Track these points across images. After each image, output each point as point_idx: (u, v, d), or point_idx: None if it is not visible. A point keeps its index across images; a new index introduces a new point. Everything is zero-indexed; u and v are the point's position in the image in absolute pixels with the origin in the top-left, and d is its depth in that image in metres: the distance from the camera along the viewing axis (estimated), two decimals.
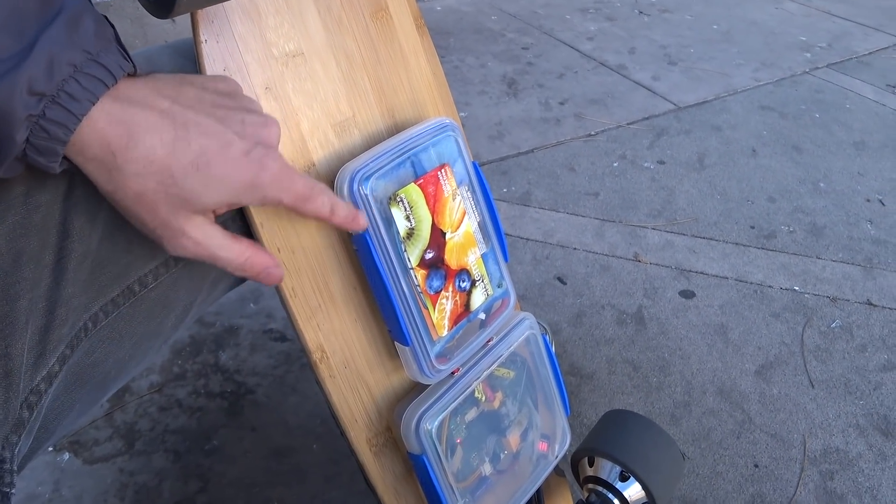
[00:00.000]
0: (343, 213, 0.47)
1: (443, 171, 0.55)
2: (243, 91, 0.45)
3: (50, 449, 0.93)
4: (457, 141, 0.56)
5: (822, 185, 1.62)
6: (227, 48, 0.49)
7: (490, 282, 0.60)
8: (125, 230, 0.45)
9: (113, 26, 0.38)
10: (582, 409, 1.03)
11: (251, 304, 1.18)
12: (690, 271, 1.32)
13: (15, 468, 0.41)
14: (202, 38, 0.48)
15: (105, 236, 0.44)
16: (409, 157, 0.53)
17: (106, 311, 0.46)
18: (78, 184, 0.41)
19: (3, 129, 0.33)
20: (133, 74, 0.38)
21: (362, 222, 0.50)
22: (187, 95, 0.40)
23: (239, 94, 0.44)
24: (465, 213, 0.57)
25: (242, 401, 1.02)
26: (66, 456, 0.93)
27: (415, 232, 0.53)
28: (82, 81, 0.34)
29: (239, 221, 0.52)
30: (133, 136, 0.37)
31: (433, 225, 0.54)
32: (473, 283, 0.58)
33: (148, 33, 1.82)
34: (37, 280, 0.40)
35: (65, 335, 0.42)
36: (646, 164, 1.65)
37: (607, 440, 0.70)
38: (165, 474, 0.91)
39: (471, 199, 0.58)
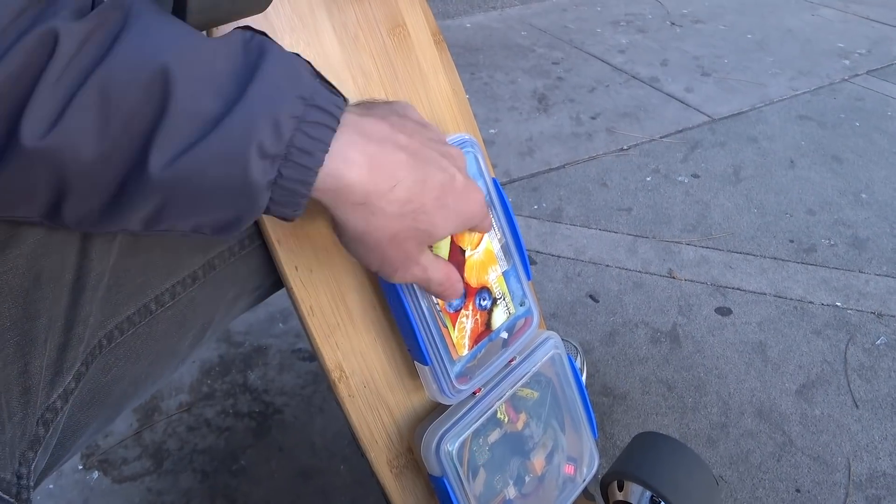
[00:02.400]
0: (489, 223, 0.50)
1: None
2: None
3: (80, 467, 0.94)
4: (476, 157, 0.55)
5: (863, 196, 1.57)
6: None
7: (512, 300, 0.58)
8: (142, 249, 0.45)
9: (302, 58, 0.37)
10: (615, 431, 1.01)
11: (280, 324, 1.18)
12: (727, 287, 1.28)
13: (32, 484, 0.41)
14: None
15: (122, 255, 0.44)
16: None
17: (122, 328, 0.46)
18: None
19: (246, 199, 0.34)
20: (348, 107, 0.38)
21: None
22: (410, 129, 0.41)
23: (427, 122, 0.45)
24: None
25: (270, 421, 1.01)
26: (96, 475, 0.93)
27: (433, 250, 0.52)
28: (309, 132, 0.34)
29: (258, 241, 0.52)
30: (395, 177, 0.38)
31: (452, 243, 0.53)
32: (494, 302, 0.57)
33: None
34: (56, 298, 0.40)
35: (81, 353, 0.42)
36: (680, 178, 1.61)
37: (638, 464, 0.67)
38: (193, 494, 0.91)
39: (491, 217, 0.56)
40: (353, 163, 0.36)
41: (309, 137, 0.34)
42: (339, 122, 0.36)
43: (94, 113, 0.30)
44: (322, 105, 0.35)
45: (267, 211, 0.35)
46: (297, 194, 0.35)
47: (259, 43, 0.35)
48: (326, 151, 0.35)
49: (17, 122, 0.29)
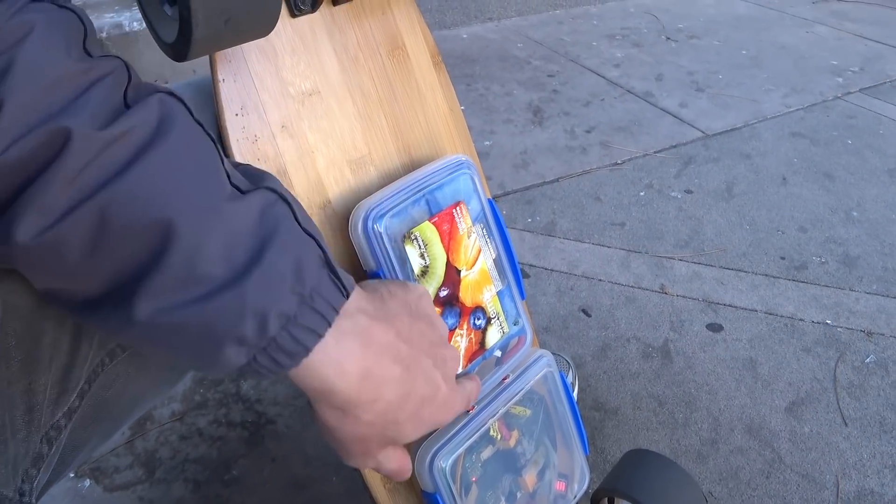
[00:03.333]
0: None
1: (458, 208, 0.55)
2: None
3: (71, 475, 0.94)
4: (472, 178, 0.56)
5: (855, 213, 1.58)
6: (244, 87, 0.49)
7: (506, 319, 0.59)
8: None
9: (320, 245, 0.36)
10: (606, 446, 1.01)
11: None
12: (718, 304, 1.30)
13: (33, 500, 0.41)
14: (220, 77, 0.48)
15: None
16: (423, 195, 0.53)
17: (123, 346, 0.46)
18: None
19: (213, 367, 0.33)
20: (349, 300, 0.37)
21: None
22: (416, 335, 0.41)
23: (435, 314, 0.45)
24: (480, 251, 0.56)
25: (263, 431, 1.02)
26: (87, 483, 0.93)
27: (429, 270, 0.53)
28: (295, 334, 0.33)
29: None
30: (381, 393, 0.38)
31: (448, 263, 0.54)
32: (489, 321, 0.57)
33: (176, 65, 1.86)
34: (61, 318, 0.40)
35: (85, 371, 0.43)
36: (673, 194, 1.63)
37: (628, 481, 0.68)
38: (184, 503, 0.92)
39: (486, 237, 0.57)
40: (345, 374, 0.36)
41: (293, 339, 0.33)
42: (329, 327, 0.35)
43: (90, 231, 0.30)
44: (318, 307, 0.34)
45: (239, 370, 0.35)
46: (266, 375, 0.35)
47: (276, 217, 0.34)
48: (306, 356, 0.34)
49: (11, 213, 0.29)
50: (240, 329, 0.32)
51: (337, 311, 0.35)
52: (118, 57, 0.33)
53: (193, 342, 0.32)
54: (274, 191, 0.35)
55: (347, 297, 0.36)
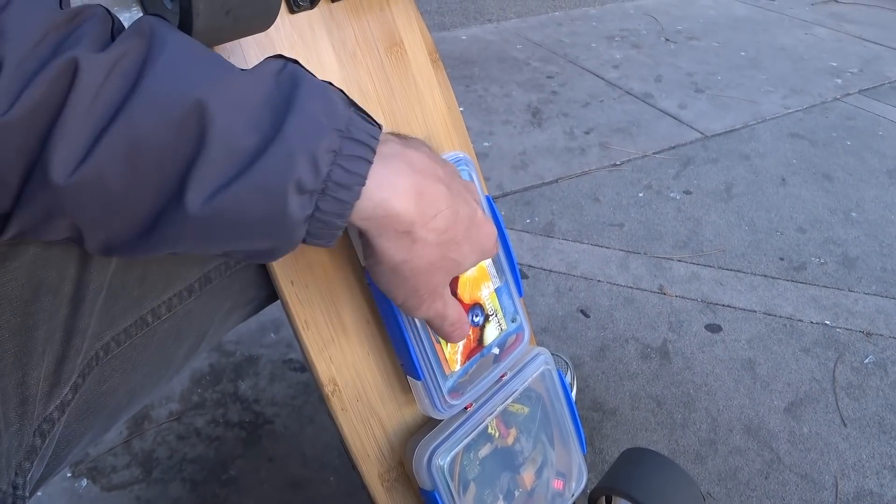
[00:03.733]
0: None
1: None
2: None
3: (68, 475, 0.94)
4: (470, 175, 0.56)
5: (854, 214, 1.59)
6: None
7: (504, 316, 0.59)
8: (140, 262, 0.46)
9: (339, 88, 0.37)
10: (604, 446, 1.01)
11: (272, 334, 1.18)
12: (717, 304, 1.30)
13: (27, 494, 0.41)
14: None
15: (120, 268, 0.44)
16: None
17: (118, 340, 0.46)
18: None
19: (283, 233, 0.34)
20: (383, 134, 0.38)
21: None
22: (439, 163, 0.41)
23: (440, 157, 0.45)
24: None
25: (260, 431, 1.01)
26: (84, 482, 0.93)
27: None
28: (346, 165, 0.34)
29: None
30: (436, 207, 0.38)
31: None
32: (487, 318, 0.57)
33: None
34: (55, 310, 0.40)
35: (79, 364, 0.43)
36: (672, 195, 1.63)
37: (625, 479, 0.68)
38: (181, 503, 0.91)
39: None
40: (401, 192, 0.37)
41: (346, 171, 0.34)
42: (374, 153, 0.36)
43: (124, 149, 0.30)
44: (358, 137, 0.35)
45: (302, 242, 0.36)
46: (332, 226, 0.35)
47: (292, 73, 0.35)
48: (363, 184, 0.35)
49: (43, 157, 0.29)
50: (295, 174, 0.32)
51: (376, 139, 0.36)
52: (98, 5, 0.34)
53: (257, 213, 0.32)
54: (278, 57, 0.36)
55: (378, 125, 0.37)
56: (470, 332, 0.56)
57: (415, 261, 0.39)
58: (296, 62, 0.36)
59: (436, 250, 0.39)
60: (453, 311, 0.45)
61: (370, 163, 0.35)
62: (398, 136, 0.43)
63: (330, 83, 0.37)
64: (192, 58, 0.32)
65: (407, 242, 0.38)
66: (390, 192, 0.36)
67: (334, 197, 0.34)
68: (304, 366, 1.12)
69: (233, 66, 0.35)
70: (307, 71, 0.36)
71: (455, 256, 0.41)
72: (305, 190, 0.33)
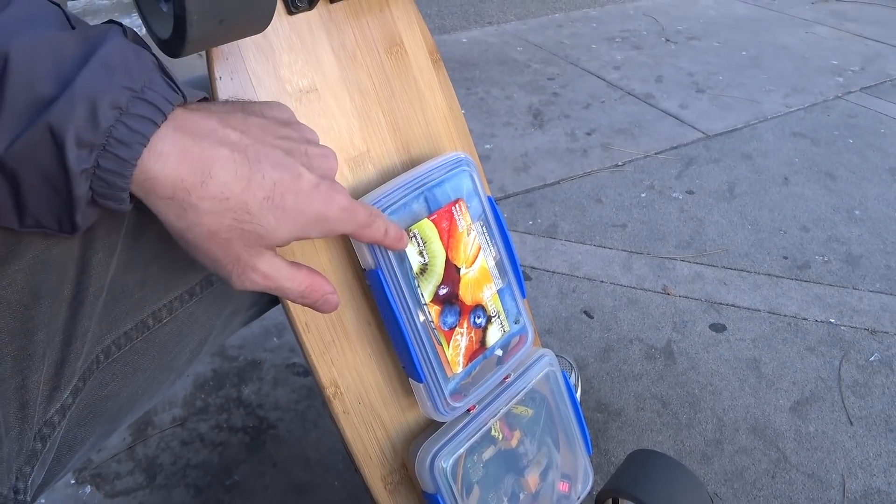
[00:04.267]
0: (393, 233, 0.47)
1: (457, 206, 0.54)
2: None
3: (72, 482, 0.93)
4: (472, 176, 0.56)
5: (857, 212, 1.58)
6: (241, 85, 0.49)
7: (507, 318, 0.58)
8: (141, 265, 0.46)
9: (156, 56, 0.37)
10: (609, 447, 1.01)
11: (275, 338, 1.18)
12: (721, 304, 1.29)
13: (28, 499, 0.41)
14: (217, 75, 0.48)
15: (121, 271, 0.44)
16: (422, 193, 0.52)
17: (118, 344, 0.46)
18: (97, 220, 0.42)
19: (65, 187, 0.33)
20: (185, 104, 0.37)
21: (405, 242, 0.49)
22: (254, 126, 0.39)
23: (296, 122, 0.43)
24: (480, 249, 0.56)
25: (264, 436, 1.01)
26: (88, 489, 0.93)
27: (428, 268, 0.52)
28: (130, 123, 0.33)
29: None
30: (208, 172, 0.36)
31: (447, 260, 0.53)
32: (489, 320, 0.57)
33: (172, 61, 1.86)
34: (54, 314, 0.40)
35: (79, 368, 0.43)
36: (674, 195, 1.62)
37: (632, 481, 0.67)
38: None
39: (486, 235, 0.57)
40: (160, 155, 0.34)
41: (129, 129, 0.33)
42: (165, 118, 0.34)
43: None
44: (150, 99, 0.34)
45: (94, 203, 0.34)
46: (116, 187, 0.34)
47: (105, 31, 0.34)
48: (145, 145, 0.34)
49: None
50: (74, 122, 0.31)
51: (172, 105, 0.35)
52: None
53: (44, 162, 0.32)
54: (112, 21, 0.36)
55: (183, 96, 0.36)
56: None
57: (193, 230, 0.37)
58: (121, 26, 0.36)
59: (215, 219, 0.36)
60: (289, 282, 0.41)
61: (157, 125, 0.34)
62: (227, 102, 0.41)
63: (148, 50, 0.36)
64: (17, 15, 0.33)
65: (176, 210, 0.36)
66: (149, 154, 0.34)
67: (115, 154, 0.33)
68: (307, 370, 1.12)
69: (65, 23, 0.34)
70: (124, 34, 0.35)
71: (251, 228, 0.37)
72: (85, 143, 0.32)
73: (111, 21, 0.36)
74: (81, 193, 0.33)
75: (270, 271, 0.40)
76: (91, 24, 0.36)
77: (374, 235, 0.45)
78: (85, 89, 0.32)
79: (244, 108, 0.41)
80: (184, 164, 0.35)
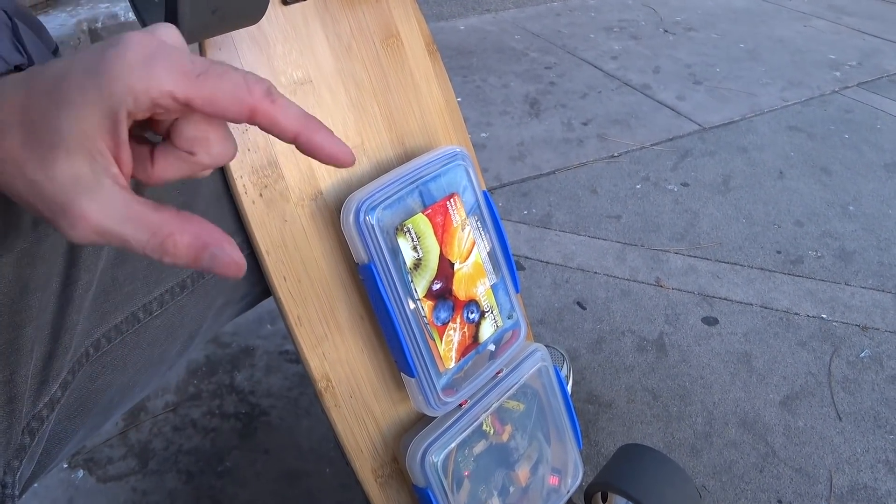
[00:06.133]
0: (293, 113, 0.31)
1: (452, 200, 0.54)
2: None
3: (65, 466, 0.93)
4: (467, 170, 0.56)
5: (851, 208, 1.58)
6: None
7: (500, 313, 0.58)
8: (131, 258, 0.45)
9: (11, 19, 0.35)
10: (600, 439, 1.01)
11: (268, 325, 1.18)
12: (714, 297, 1.29)
13: (17, 493, 0.41)
14: None
15: (110, 264, 0.44)
16: (417, 187, 0.52)
17: (109, 337, 0.46)
18: None
19: None
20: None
21: (350, 158, 0.33)
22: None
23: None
24: (474, 244, 0.56)
25: (256, 422, 1.01)
26: (81, 473, 0.93)
27: (422, 262, 0.52)
28: None
29: (247, 250, 0.52)
30: None
31: (441, 255, 0.53)
32: (482, 315, 0.57)
33: None
34: (43, 307, 0.40)
35: (68, 361, 0.42)
36: (669, 187, 1.62)
37: (622, 475, 0.68)
38: (177, 495, 0.91)
39: (480, 230, 0.57)
40: None
41: None
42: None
43: None
44: None
45: None
46: None
47: None
48: None
49: None
50: None
51: (11, 66, 0.34)
52: None
53: None
54: None
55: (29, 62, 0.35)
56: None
57: None
58: None
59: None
60: (126, 227, 0.28)
61: None
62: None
63: (5, 13, 0.36)
64: None
65: None
66: None
67: None
68: (299, 357, 1.12)
69: None
70: None
71: (33, 139, 0.28)
72: None
73: None
74: None
75: (100, 217, 0.28)
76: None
77: (237, 97, 0.29)
78: None
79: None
80: None
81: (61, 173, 0.28)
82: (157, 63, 0.28)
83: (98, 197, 0.28)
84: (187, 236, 0.29)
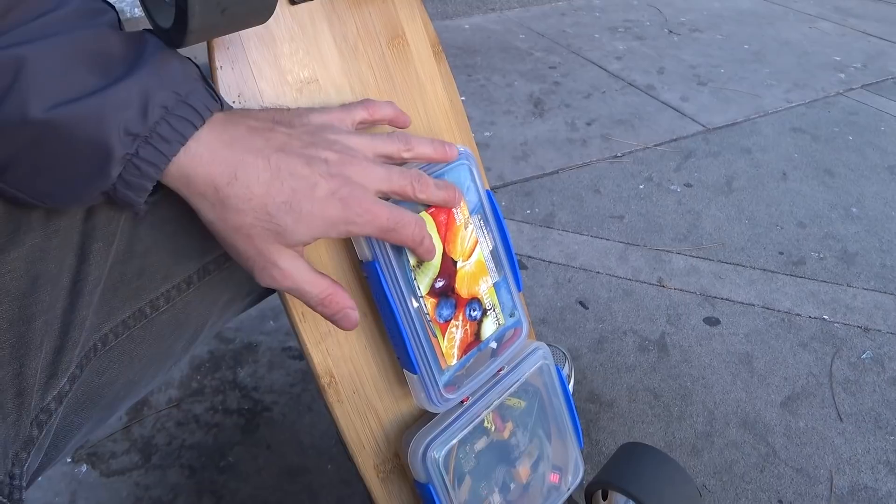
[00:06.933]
0: (427, 244, 0.49)
1: None
2: (338, 120, 0.48)
3: (68, 460, 0.94)
4: (470, 169, 0.56)
5: (854, 210, 1.58)
6: (241, 75, 0.49)
7: (502, 311, 0.59)
8: (139, 253, 0.46)
9: (198, 66, 0.41)
10: (601, 438, 1.02)
11: (271, 322, 1.18)
12: (716, 298, 1.30)
13: (24, 484, 0.41)
14: (217, 64, 0.48)
15: (119, 259, 0.45)
16: None
17: (116, 332, 0.46)
18: (96, 209, 0.42)
19: (101, 165, 0.36)
20: (222, 111, 0.41)
21: (433, 255, 0.51)
22: (278, 136, 0.43)
23: (329, 126, 0.47)
24: (477, 242, 0.56)
25: (259, 418, 1.02)
26: (84, 468, 0.94)
27: (425, 260, 0.53)
28: (173, 123, 0.38)
29: None
30: (234, 174, 0.40)
31: (444, 253, 0.54)
32: (485, 313, 0.57)
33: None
34: (53, 302, 0.40)
35: (76, 355, 0.43)
36: (672, 187, 1.63)
37: (622, 474, 0.68)
38: (180, 490, 0.92)
39: (483, 228, 0.57)
40: (194, 155, 0.39)
41: (171, 128, 0.37)
42: (204, 122, 0.39)
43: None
44: (193, 104, 0.39)
45: (114, 191, 0.38)
46: (146, 177, 0.37)
47: (146, 38, 0.39)
48: (184, 143, 0.38)
49: None
50: (127, 113, 0.36)
51: (210, 111, 0.40)
52: None
53: (86, 135, 0.35)
54: (147, 31, 0.40)
55: (222, 104, 0.41)
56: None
57: (221, 223, 0.41)
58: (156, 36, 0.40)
59: (239, 216, 0.41)
60: (309, 286, 0.45)
61: (196, 128, 0.39)
62: (265, 110, 0.46)
63: (190, 60, 0.41)
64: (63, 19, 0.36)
65: (208, 204, 0.40)
66: (187, 154, 0.39)
67: (155, 147, 0.37)
68: (302, 354, 1.12)
69: (117, 31, 0.38)
70: (165, 46, 0.40)
71: (272, 227, 0.41)
72: (131, 132, 0.36)
73: (147, 30, 0.40)
74: (114, 174, 0.37)
75: (291, 270, 0.43)
76: None
77: (402, 240, 0.47)
78: (137, 85, 0.36)
79: (275, 117, 0.45)
80: (214, 165, 0.39)
81: (280, 253, 0.43)
82: (375, 220, 0.45)
83: (297, 266, 0.44)
84: (338, 299, 0.46)
